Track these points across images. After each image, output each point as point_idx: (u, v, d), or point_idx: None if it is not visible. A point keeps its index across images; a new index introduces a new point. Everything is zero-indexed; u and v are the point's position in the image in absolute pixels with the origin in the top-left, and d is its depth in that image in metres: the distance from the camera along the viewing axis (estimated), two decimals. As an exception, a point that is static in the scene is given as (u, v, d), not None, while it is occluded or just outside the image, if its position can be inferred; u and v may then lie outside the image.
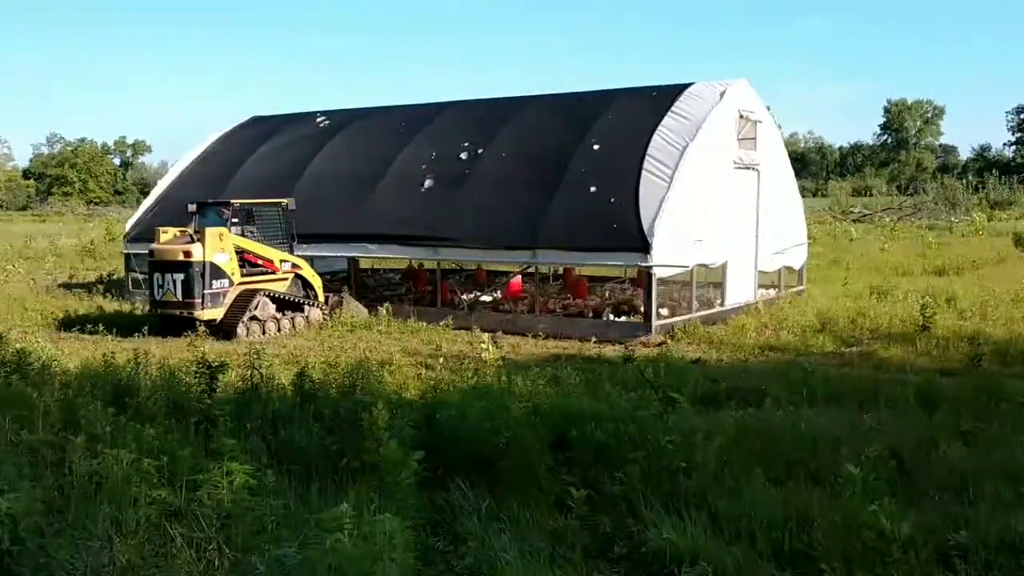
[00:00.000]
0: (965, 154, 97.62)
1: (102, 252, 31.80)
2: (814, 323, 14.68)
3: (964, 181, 59.94)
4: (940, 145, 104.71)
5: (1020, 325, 14.01)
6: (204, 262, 14.81)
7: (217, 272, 14.97)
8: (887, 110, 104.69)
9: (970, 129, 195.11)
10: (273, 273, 16.01)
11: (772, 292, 18.55)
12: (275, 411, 8.10)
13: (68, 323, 16.49)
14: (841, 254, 26.04)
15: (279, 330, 15.63)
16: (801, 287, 19.71)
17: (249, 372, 9.14)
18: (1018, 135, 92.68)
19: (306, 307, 16.27)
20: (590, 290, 18.13)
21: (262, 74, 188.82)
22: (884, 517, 4.80)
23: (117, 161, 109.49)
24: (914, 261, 24.09)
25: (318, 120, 22.41)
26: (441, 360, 11.93)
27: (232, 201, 15.91)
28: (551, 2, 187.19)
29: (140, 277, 19.22)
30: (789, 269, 19.46)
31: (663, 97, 17.15)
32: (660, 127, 16.16)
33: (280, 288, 16.00)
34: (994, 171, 67.81)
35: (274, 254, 16.11)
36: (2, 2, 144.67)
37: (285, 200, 16.56)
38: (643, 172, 15.52)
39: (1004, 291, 16.96)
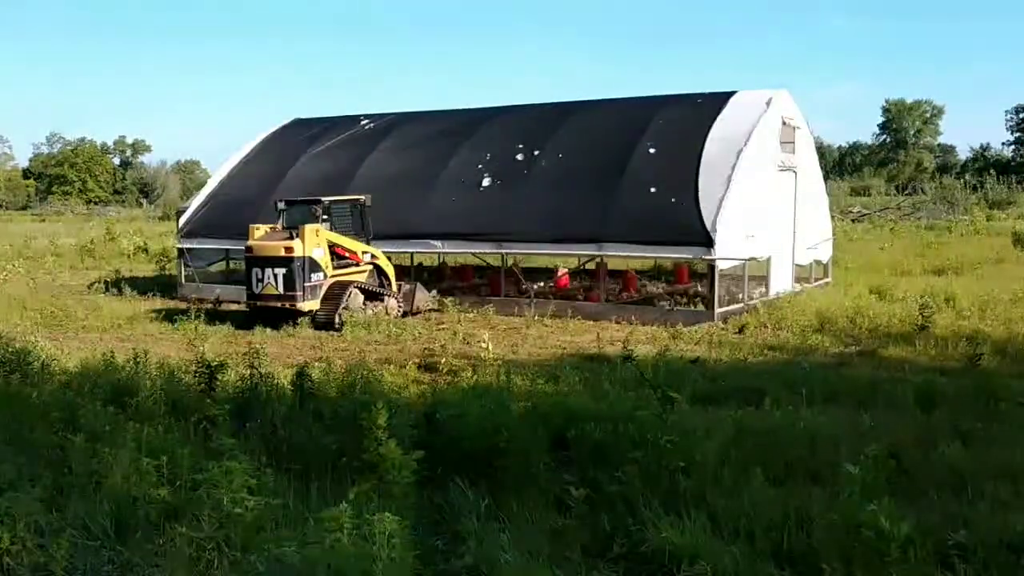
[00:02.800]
0: (964, 154, 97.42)
1: (102, 252, 31.81)
2: (813, 322, 14.68)
3: (963, 181, 59.86)
4: (939, 145, 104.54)
5: (1019, 325, 14.01)
6: (304, 257, 15.77)
7: (315, 266, 15.94)
8: (886, 110, 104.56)
9: (969, 129, 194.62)
10: (358, 265, 16.98)
11: (805, 284, 19.85)
12: (274, 410, 8.10)
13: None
14: (840, 253, 25.95)
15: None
16: (827, 279, 20.91)
17: (248, 372, 9.14)
18: (1017, 135, 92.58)
19: (385, 296, 17.06)
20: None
21: (259, 76, 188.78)
22: (883, 516, 4.81)
23: (117, 161, 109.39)
24: (913, 261, 24.06)
25: (363, 123, 23.48)
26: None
27: (322, 199, 16.79)
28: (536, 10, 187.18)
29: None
30: (818, 262, 20.89)
31: (709, 104, 18.71)
32: (712, 132, 17.62)
33: (363, 279, 16.98)
34: (993, 171, 67.78)
35: (357, 246, 17.04)
36: (3, 1, 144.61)
37: (362, 196, 17.63)
38: (700, 174, 16.94)
39: (1003, 291, 16.94)
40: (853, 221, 43.90)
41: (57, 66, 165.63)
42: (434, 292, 18.32)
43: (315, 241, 15.95)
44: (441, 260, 22.72)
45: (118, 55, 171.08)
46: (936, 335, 13.03)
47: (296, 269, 15.66)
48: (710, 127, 17.73)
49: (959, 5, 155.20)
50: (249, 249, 16.25)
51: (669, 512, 5.73)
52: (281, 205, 16.99)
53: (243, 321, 16.23)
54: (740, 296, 17.03)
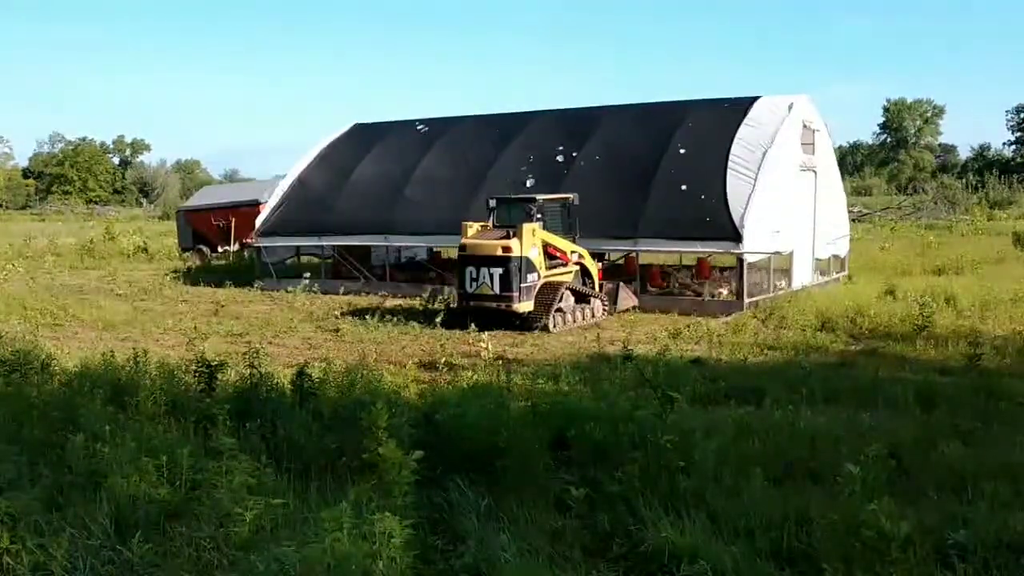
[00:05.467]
0: (964, 154, 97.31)
1: (101, 251, 31.81)
2: (814, 322, 14.69)
3: (964, 181, 59.85)
4: (939, 145, 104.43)
5: (1019, 324, 14.01)
6: (521, 257, 15.33)
7: (530, 267, 15.56)
8: (886, 109, 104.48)
9: (970, 129, 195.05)
10: (566, 265, 16.55)
11: (824, 277, 21.03)
12: (274, 410, 8.09)
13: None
14: (841, 253, 26.03)
15: (575, 321, 16.06)
16: (844, 272, 22.05)
17: (248, 371, 9.14)
18: (1018, 135, 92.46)
19: (591, 298, 16.82)
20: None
21: (259, 77, 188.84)
22: (883, 516, 4.80)
23: (116, 160, 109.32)
24: (913, 260, 24.04)
25: (418, 127, 24.74)
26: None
27: (536, 197, 16.59)
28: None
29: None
30: (836, 257, 21.99)
31: (735, 109, 19.90)
32: (738, 135, 18.82)
33: (571, 279, 16.54)
34: (994, 171, 67.74)
35: (567, 246, 16.66)
36: (3, 1, 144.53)
37: (571, 195, 17.38)
38: (728, 173, 18.12)
39: (1003, 290, 16.94)
40: (854, 221, 43.84)
41: (57, 66, 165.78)
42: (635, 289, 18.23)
43: (532, 241, 15.53)
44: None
45: (119, 54, 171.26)
46: (936, 335, 13.03)
47: (513, 269, 15.24)
48: (736, 130, 18.86)
49: (960, 5, 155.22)
50: (463, 248, 15.89)
51: (669, 512, 5.73)
52: (492, 203, 16.64)
53: (448, 320, 15.62)
54: (766, 288, 18.21)
